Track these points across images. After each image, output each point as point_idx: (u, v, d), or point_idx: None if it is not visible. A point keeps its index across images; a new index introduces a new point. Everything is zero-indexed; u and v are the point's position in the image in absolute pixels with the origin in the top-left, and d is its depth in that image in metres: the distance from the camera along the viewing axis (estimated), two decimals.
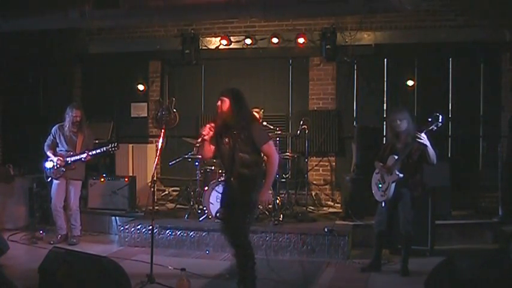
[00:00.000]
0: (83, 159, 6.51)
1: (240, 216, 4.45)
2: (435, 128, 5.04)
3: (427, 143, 5.04)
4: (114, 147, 6.64)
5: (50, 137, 6.70)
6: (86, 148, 6.60)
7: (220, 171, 7.17)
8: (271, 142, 4.50)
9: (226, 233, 4.60)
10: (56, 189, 6.67)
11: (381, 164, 5.41)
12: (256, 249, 6.22)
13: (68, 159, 6.52)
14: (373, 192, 5.50)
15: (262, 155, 4.52)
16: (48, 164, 6.61)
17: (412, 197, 5.25)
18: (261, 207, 5.27)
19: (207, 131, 4.45)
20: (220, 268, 5.67)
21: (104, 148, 6.61)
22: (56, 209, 6.67)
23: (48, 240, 6.61)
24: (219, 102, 4.49)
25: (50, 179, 6.70)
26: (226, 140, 4.47)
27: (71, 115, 6.58)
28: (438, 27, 7.96)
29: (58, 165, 6.54)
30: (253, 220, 4.74)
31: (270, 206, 6.95)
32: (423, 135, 5.02)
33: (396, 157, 5.22)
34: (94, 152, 6.55)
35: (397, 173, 5.18)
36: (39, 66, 9.05)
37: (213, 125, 4.48)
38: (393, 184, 5.21)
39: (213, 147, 4.58)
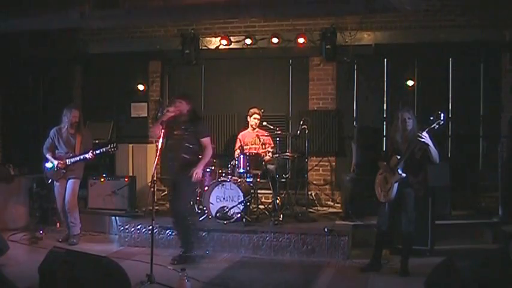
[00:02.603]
0: (87, 158, 6.51)
1: (182, 190, 5.72)
2: (437, 126, 5.02)
3: (430, 142, 5.03)
4: (113, 147, 6.64)
5: (49, 140, 6.70)
6: (85, 149, 6.60)
7: (220, 171, 7.19)
8: (209, 137, 5.86)
9: (173, 206, 5.87)
10: (58, 190, 6.71)
11: (384, 163, 5.40)
12: (256, 249, 6.27)
13: (68, 160, 6.52)
14: (377, 193, 5.47)
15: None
16: (49, 165, 6.62)
17: (415, 197, 5.24)
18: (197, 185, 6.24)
19: (173, 109, 5.65)
20: (220, 268, 5.66)
21: (104, 148, 6.62)
22: (62, 209, 6.72)
23: (50, 240, 6.62)
24: (177, 104, 5.71)
25: (50, 180, 6.71)
26: (178, 132, 5.71)
27: (69, 116, 6.58)
28: (438, 27, 7.95)
29: (59, 168, 6.55)
30: (192, 194, 6.06)
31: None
32: (425, 134, 5.01)
33: (398, 157, 5.21)
34: (98, 152, 6.57)
35: (400, 172, 5.17)
36: (39, 66, 9.06)
37: (173, 111, 5.65)
38: (396, 184, 5.20)
39: (162, 130, 5.54)
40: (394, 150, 5.36)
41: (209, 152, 5.83)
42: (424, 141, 5.01)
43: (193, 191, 6.08)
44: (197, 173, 5.68)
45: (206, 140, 5.81)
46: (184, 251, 5.78)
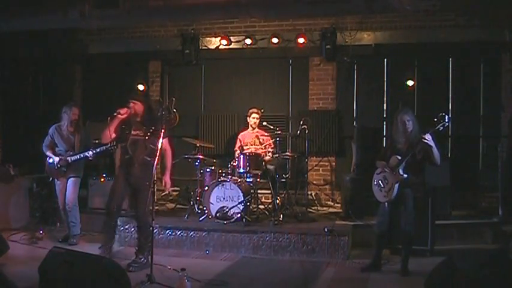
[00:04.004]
0: (88, 156, 6.51)
1: (144, 196, 5.41)
2: (441, 128, 5.01)
3: (432, 144, 5.03)
4: (112, 146, 6.63)
5: (48, 138, 6.70)
6: (84, 147, 6.61)
7: (220, 171, 7.19)
8: (168, 137, 5.69)
9: (138, 215, 5.60)
10: (59, 189, 6.72)
11: (384, 162, 5.39)
12: (256, 249, 6.27)
13: (69, 158, 6.52)
14: (375, 193, 5.47)
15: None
16: (50, 160, 6.62)
17: (414, 197, 5.25)
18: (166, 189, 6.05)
19: (125, 111, 5.47)
20: (220, 268, 5.66)
21: (104, 147, 6.61)
22: (63, 208, 6.73)
23: (50, 240, 6.62)
24: (131, 105, 5.55)
25: (51, 179, 6.72)
26: (137, 132, 5.57)
27: (69, 114, 6.59)
28: (438, 27, 7.95)
29: (60, 165, 6.55)
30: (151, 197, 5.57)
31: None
32: (428, 135, 5.01)
33: (399, 157, 5.20)
34: (98, 150, 6.57)
35: (401, 173, 5.17)
36: (40, 66, 9.05)
37: (125, 113, 5.48)
38: (397, 185, 5.20)
39: (114, 134, 5.54)
40: (394, 150, 5.35)
41: (170, 154, 5.77)
42: (427, 143, 5.00)
43: (150, 191, 5.64)
44: (168, 182, 5.74)
45: (166, 142, 5.62)
46: (141, 257, 5.52)
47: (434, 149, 5.05)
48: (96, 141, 7.40)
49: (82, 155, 6.51)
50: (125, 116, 5.52)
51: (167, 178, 5.78)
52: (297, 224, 6.71)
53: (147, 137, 5.55)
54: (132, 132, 5.61)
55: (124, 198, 5.77)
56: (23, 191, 7.73)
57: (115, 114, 5.50)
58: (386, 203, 5.35)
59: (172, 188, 8.80)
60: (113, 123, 5.52)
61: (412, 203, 5.26)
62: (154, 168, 5.19)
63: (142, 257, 5.50)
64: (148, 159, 5.48)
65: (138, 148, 5.55)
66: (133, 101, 5.61)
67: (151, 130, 5.56)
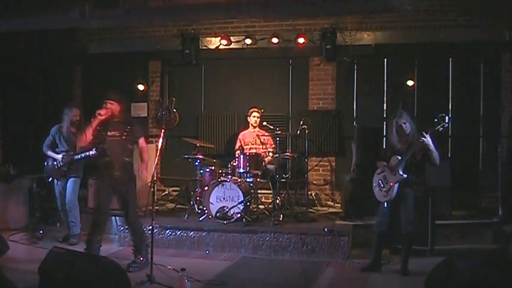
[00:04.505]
0: (91, 155, 6.50)
1: (131, 199, 5.54)
2: (441, 128, 5.03)
3: (431, 144, 5.04)
4: (92, 150, 6.61)
5: (50, 138, 6.71)
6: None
7: (220, 171, 7.19)
8: (144, 136, 5.71)
9: (129, 219, 5.60)
10: (59, 189, 6.72)
11: (384, 163, 5.40)
12: (256, 249, 6.27)
13: (75, 156, 6.51)
14: (375, 192, 5.48)
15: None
16: (49, 163, 6.62)
17: (414, 197, 5.25)
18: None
19: (105, 111, 5.39)
20: (220, 268, 5.66)
21: (88, 152, 6.59)
22: (62, 209, 6.74)
23: (50, 240, 6.63)
24: (108, 105, 5.45)
25: (50, 179, 6.71)
26: (115, 133, 5.45)
27: (70, 115, 6.60)
28: (438, 27, 7.95)
29: (61, 164, 6.55)
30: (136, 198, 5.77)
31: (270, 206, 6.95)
32: (427, 136, 5.01)
33: (399, 158, 5.21)
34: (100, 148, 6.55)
35: (401, 173, 5.17)
36: (39, 66, 9.05)
37: (105, 114, 5.39)
38: (397, 185, 5.21)
39: (91, 137, 5.42)
40: (394, 150, 5.35)
41: (147, 150, 5.70)
42: (426, 144, 5.01)
43: (135, 192, 5.75)
44: (143, 172, 5.62)
45: (142, 140, 5.65)
46: (140, 257, 5.51)
47: (433, 150, 5.06)
48: None
49: (86, 154, 6.49)
50: (105, 117, 5.42)
51: (143, 169, 5.65)
52: (297, 224, 6.71)
53: (124, 138, 5.46)
54: (109, 133, 5.47)
55: (111, 202, 5.66)
56: (23, 191, 7.72)
57: (95, 115, 5.42)
58: (386, 203, 5.35)
59: (173, 189, 8.86)
60: (93, 125, 5.41)
61: (412, 203, 5.26)
62: (154, 168, 5.20)
63: (141, 257, 5.49)
64: (127, 159, 5.46)
65: (116, 150, 5.44)
66: (110, 101, 5.50)
67: (127, 130, 5.48)
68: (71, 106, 6.73)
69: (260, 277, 5.35)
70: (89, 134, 5.39)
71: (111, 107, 5.49)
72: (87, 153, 6.47)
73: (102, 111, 5.41)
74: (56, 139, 6.68)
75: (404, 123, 5.28)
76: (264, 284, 5.12)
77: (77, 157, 6.51)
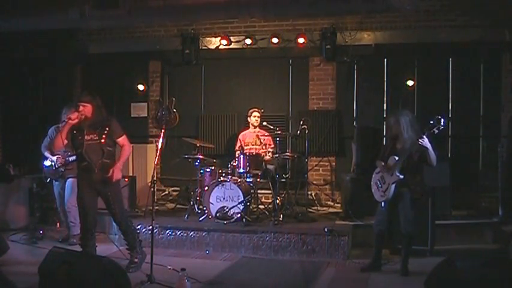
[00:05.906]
0: (71, 160, 6.48)
1: (116, 200, 5.35)
2: (437, 130, 5.03)
3: (428, 145, 5.05)
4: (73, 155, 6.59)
5: (47, 138, 6.68)
6: None
7: (220, 171, 7.19)
8: (125, 135, 5.41)
9: (119, 221, 5.48)
10: (57, 190, 6.73)
11: (383, 163, 5.40)
12: (257, 249, 6.27)
13: (67, 158, 6.51)
14: (373, 192, 5.50)
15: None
16: (47, 163, 6.61)
17: (411, 197, 5.25)
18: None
19: (75, 115, 5.12)
20: (220, 268, 5.66)
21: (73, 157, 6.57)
22: (61, 209, 6.73)
23: (50, 240, 6.63)
24: (80, 108, 5.18)
25: (49, 179, 6.71)
26: (91, 136, 5.21)
27: (68, 115, 6.56)
28: (438, 27, 7.95)
29: (58, 166, 6.54)
30: (121, 196, 5.62)
31: (270, 206, 6.94)
32: (424, 137, 5.02)
33: (397, 158, 5.21)
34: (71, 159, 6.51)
35: (398, 174, 5.18)
36: (39, 66, 9.05)
37: (75, 118, 5.12)
38: (393, 185, 5.21)
39: (66, 141, 5.17)
40: (392, 150, 5.36)
41: (128, 150, 5.47)
42: (423, 145, 5.03)
43: (121, 192, 5.55)
44: (116, 172, 5.21)
45: (123, 139, 5.38)
46: (136, 256, 5.45)
47: (430, 151, 5.08)
48: None
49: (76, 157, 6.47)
50: (76, 121, 5.14)
51: (117, 169, 5.26)
52: (297, 224, 6.71)
53: (102, 141, 5.21)
54: (86, 137, 5.21)
55: (96, 204, 5.40)
56: (23, 191, 7.72)
57: (65, 120, 5.22)
58: (383, 203, 5.36)
59: (173, 189, 8.86)
60: (64, 130, 5.15)
61: (410, 203, 5.26)
62: (154, 168, 5.19)
63: (137, 256, 5.46)
64: (107, 161, 5.22)
65: (95, 153, 5.19)
66: (82, 103, 5.21)
67: (105, 132, 5.22)
68: (69, 106, 6.69)
69: (260, 277, 5.35)
70: (63, 139, 5.13)
71: (84, 110, 5.20)
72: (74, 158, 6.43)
73: (73, 116, 5.12)
74: (53, 140, 6.66)
75: (402, 123, 5.28)
76: (264, 284, 5.12)
77: (71, 158, 6.49)
